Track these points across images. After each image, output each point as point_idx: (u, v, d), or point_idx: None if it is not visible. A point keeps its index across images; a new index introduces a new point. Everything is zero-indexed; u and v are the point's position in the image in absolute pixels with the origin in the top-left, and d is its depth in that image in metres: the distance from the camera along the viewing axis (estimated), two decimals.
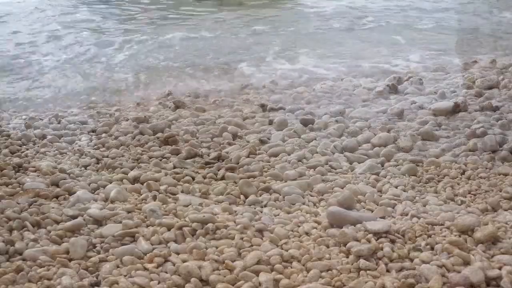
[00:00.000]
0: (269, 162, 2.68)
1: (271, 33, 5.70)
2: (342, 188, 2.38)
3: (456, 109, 3.36)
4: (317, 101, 3.65)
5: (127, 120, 3.27)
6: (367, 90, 3.88)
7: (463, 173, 2.58)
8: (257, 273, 1.72)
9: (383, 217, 2.11)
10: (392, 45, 5.30)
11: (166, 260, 1.80)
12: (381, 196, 2.34)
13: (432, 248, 1.84)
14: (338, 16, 6.29)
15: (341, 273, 1.74)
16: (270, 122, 3.21)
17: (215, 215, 2.06)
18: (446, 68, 4.54)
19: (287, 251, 1.84)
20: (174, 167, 2.62)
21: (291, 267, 1.77)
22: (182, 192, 2.36)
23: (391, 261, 1.79)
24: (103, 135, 3.03)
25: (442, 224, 2.00)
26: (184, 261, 1.78)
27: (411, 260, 1.80)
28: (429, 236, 1.92)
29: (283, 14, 6.51)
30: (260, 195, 2.34)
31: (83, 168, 2.60)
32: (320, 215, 2.13)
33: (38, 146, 2.85)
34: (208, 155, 2.77)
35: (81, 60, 4.85)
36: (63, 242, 1.90)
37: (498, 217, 2.10)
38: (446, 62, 4.70)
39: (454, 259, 1.76)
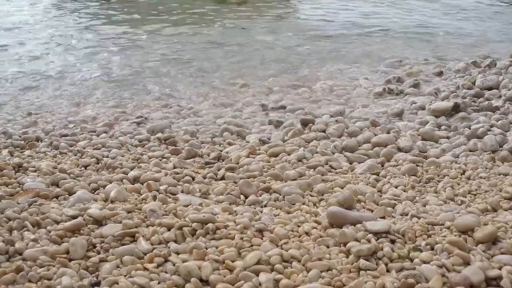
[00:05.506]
0: (269, 162, 2.68)
1: None
2: (342, 188, 2.38)
3: (457, 109, 3.36)
4: None
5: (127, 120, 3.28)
6: None
7: (463, 173, 2.58)
8: (257, 273, 1.72)
9: (383, 217, 2.11)
10: None
11: (166, 260, 1.80)
12: (381, 196, 2.35)
13: (432, 248, 1.84)
14: None
15: (341, 273, 1.73)
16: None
17: (215, 215, 2.06)
18: None
19: (287, 251, 1.84)
20: (174, 167, 2.62)
21: (291, 267, 1.76)
22: (182, 192, 2.36)
23: (391, 261, 1.79)
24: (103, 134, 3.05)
25: (442, 224, 2.00)
26: (184, 261, 1.77)
27: (411, 260, 1.79)
28: (429, 236, 1.92)
29: None
30: (260, 195, 2.34)
31: (83, 168, 2.60)
32: (320, 215, 2.13)
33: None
34: (208, 155, 2.77)
35: None
36: (63, 242, 1.89)
37: (498, 217, 2.10)
38: None
39: (454, 259, 1.75)
